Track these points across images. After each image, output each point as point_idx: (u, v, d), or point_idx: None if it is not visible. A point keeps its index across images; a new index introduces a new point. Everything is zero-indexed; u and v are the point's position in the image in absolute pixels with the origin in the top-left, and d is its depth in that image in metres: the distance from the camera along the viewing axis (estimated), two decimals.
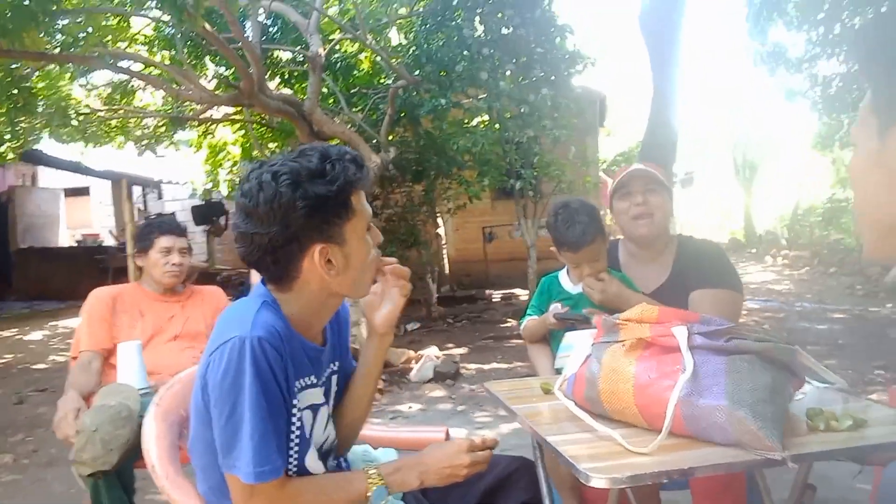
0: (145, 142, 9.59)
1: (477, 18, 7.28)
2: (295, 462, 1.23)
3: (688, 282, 1.95)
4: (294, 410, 1.21)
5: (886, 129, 0.72)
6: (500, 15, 7.21)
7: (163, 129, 9.52)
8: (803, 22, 8.97)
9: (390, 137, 7.30)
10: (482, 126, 7.79)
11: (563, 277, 2.05)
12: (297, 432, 1.22)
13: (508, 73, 7.44)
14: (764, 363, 1.19)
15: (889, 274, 10.17)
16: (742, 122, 19.68)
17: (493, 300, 9.81)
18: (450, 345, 6.88)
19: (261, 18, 6.68)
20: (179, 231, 2.53)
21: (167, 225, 2.54)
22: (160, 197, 14.47)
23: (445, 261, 10.18)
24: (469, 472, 1.30)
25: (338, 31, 7.82)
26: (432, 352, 5.93)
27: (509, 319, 8.16)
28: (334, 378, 1.39)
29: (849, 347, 6.51)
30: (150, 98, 9.28)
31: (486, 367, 5.90)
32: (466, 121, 7.97)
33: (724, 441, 1.12)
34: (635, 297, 1.88)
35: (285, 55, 8.03)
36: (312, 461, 1.26)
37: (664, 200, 1.98)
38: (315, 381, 1.29)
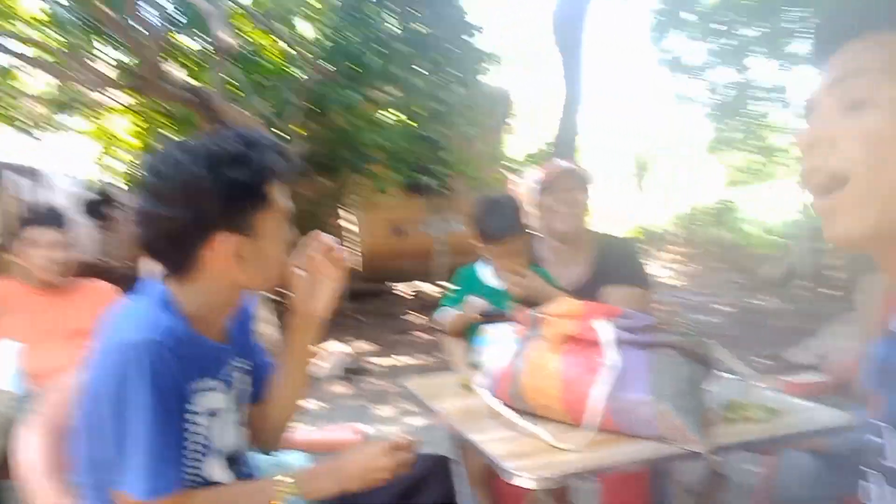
0: (30, 125, 8.82)
1: (390, 14, 7.20)
2: (195, 472, 1.12)
3: (607, 278, 1.98)
4: (192, 416, 1.10)
5: None
6: (413, 11, 7.15)
7: (48, 113, 8.79)
8: (705, 33, 9.47)
9: (300, 131, 7.08)
10: (396, 122, 7.71)
11: (482, 270, 2.03)
12: (197, 440, 1.11)
13: (422, 70, 7.40)
14: (683, 357, 1.20)
15: (769, 269, 10.96)
16: (641, 125, 20.60)
17: (402, 295, 9.76)
18: (356, 340, 6.77)
19: (166, 3, 6.30)
20: (56, 222, 2.31)
21: (42, 216, 2.32)
22: (46, 187, 13.40)
23: (357, 256, 10.02)
24: (390, 474, 1.24)
25: (247, 20, 7.50)
26: (339, 348, 5.80)
27: (418, 314, 8.14)
28: (242, 377, 1.29)
29: (735, 338, 6.95)
30: (35, 81, 8.54)
31: (393, 362, 5.84)
32: (379, 116, 7.86)
33: (649, 435, 1.11)
34: (556, 294, 1.87)
35: (192, 43, 7.61)
36: (217, 470, 1.16)
37: (586, 199, 2.01)
38: (216, 383, 1.18)
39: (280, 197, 1.16)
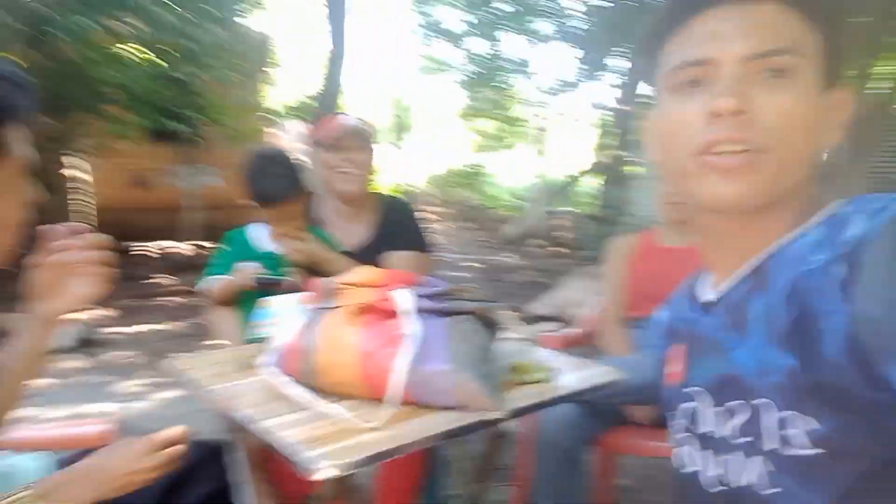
0: None
1: None
2: None
3: (389, 241, 1.94)
4: None
5: (827, 85, 0.69)
6: None
7: None
8: (468, 4, 9.85)
9: (19, 61, 5.88)
10: (137, 60, 6.78)
11: (254, 233, 1.85)
12: None
13: (170, 3, 6.59)
14: (479, 323, 1.21)
15: (511, 229, 12.04)
16: (401, 87, 21.02)
17: (147, 254, 8.83)
18: (92, 306, 5.97)
19: None
20: None
21: None
22: None
23: (91, 210, 8.79)
24: (154, 475, 1.07)
25: None
26: (70, 315, 5.05)
27: (166, 275, 7.44)
28: None
29: (484, 293, 7.53)
30: None
31: (138, 329, 5.27)
32: (119, 52, 6.86)
33: (447, 404, 1.09)
34: (338, 259, 1.79)
35: None
36: None
37: (370, 159, 1.94)
38: None
39: (17, 143, 0.90)
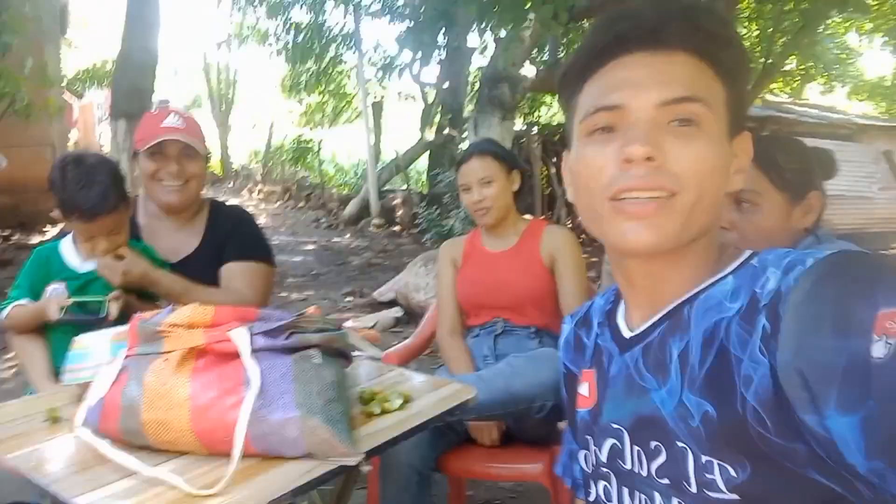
0: None
1: None
2: None
3: (220, 250, 1.77)
4: None
5: (733, 132, 0.72)
6: None
7: None
8: None
9: None
10: None
11: (67, 249, 1.60)
12: None
13: None
14: (326, 355, 1.13)
15: (346, 208, 11.86)
16: (219, 58, 19.65)
17: None
18: None
19: None
20: None
21: None
22: None
23: None
24: None
25: None
26: None
27: None
28: None
29: (322, 276, 7.36)
30: None
31: None
32: None
33: (296, 454, 1.01)
34: (165, 278, 1.60)
35: None
36: None
37: (202, 167, 1.76)
38: None
39: None
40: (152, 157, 1.70)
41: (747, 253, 0.74)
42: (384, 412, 1.20)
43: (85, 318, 1.47)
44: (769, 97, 12.39)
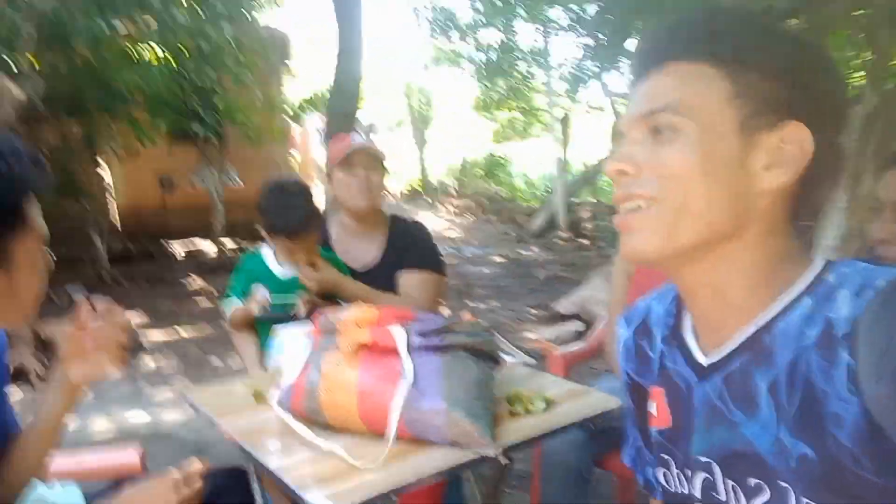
0: None
1: None
2: None
3: (399, 261, 1.99)
4: None
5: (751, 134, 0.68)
6: None
7: None
8: None
9: (36, 66, 6.03)
10: (154, 61, 6.92)
11: (270, 258, 1.92)
12: None
13: (185, 3, 6.69)
14: (474, 357, 1.25)
15: (534, 222, 12.02)
16: (416, 79, 20.97)
17: (176, 256, 9.03)
18: (126, 311, 6.14)
19: None
20: None
21: None
22: None
23: (115, 213, 9.00)
24: None
25: None
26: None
27: (196, 277, 7.61)
28: None
29: (507, 289, 7.54)
30: None
31: (172, 335, 5.41)
32: (134, 53, 6.99)
33: (441, 441, 1.15)
34: (351, 285, 1.85)
35: None
36: None
37: (382, 179, 2.00)
38: None
39: (35, 216, 0.97)
40: (344, 168, 1.97)
41: (820, 262, 0.70)
42: (527, 413, 1.30)
43: (279, 315, 1.76)
44: None
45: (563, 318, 5.62)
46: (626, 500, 2.06)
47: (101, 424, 3.56)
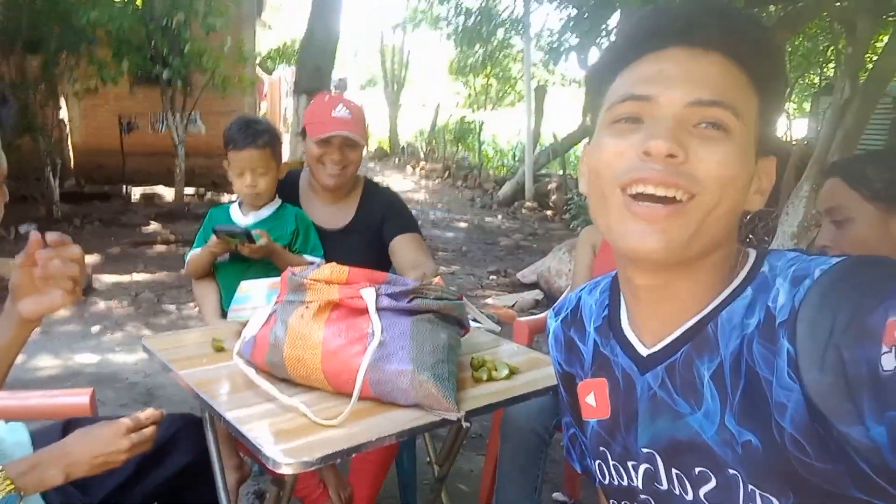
0: None
1: None
2: None
3: (371, 225, 1.96)
4: None
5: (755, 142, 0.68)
6: None
7: None
8: None
9: None
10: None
11: (235, 210, 1.89)
12: None
13: None
14: (442, 321, 1.25)
15: (501, 190, 12.02)
16: (392, 40, 20.57)
17: (132, 199, 8.78)
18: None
19: None
20: None
21: None
22: None
23: (70, 151, 8.68)
24: (129, 455, 1.13)
25: None
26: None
27: (152, 222, 7.42)
28: None
29: (470, 254, 7.57)
30: None
31: (125, 278, 5.29)
32: None
33: (406, 402, 1.15)
34: (293, 258, 1.81)
35: None
36: None
37: (360, 154, 1.95)
38: None
39: None
40: (319, 143, 1.90)
41: (752, 255, 0.71)
42: (490, 379, 1.31)
43: (236, 230, 1.72)
44: None
45: (524, 286, 5.69)
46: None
47: (47, 362, 3.49)
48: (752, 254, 0.71)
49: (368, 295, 1.20)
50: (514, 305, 4.92)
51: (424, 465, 2.27)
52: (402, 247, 1.94)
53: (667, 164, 0.64)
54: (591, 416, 0.83)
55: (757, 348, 0.63)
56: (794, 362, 0.60)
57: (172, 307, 4.66)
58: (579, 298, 0.88)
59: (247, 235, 1.69)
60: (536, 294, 5.32)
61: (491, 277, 6.29)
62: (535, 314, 2.47)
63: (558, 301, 0.93)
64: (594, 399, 0.82)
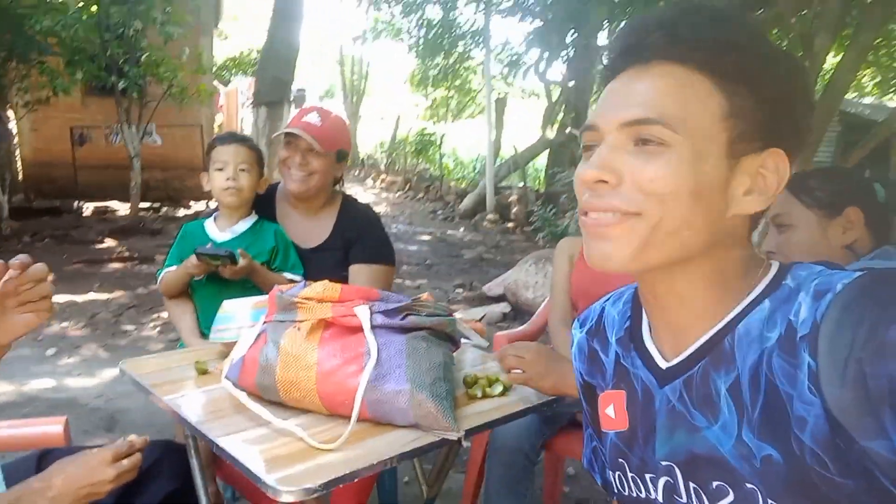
0: None
1: None
2: None
3: (348, 245, 1.92)
4: None
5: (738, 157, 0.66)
6: None
7: None
8: None
9: None
10: (75, 6, 6.43)
11: (210, 226, 1.83)
12: None
13: None
14: (436, 338, 1.23)
15: (462, 202, 12.06)
16: (354, 51, 20.53)
17: (84, 214, 8.50)
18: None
19: None
20: None
21: None
22: None
23: (19, 164, 8.37)
24: (115, 485, 1.07)
25: None
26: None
27: (107, 238, 7.19)
28: None
29: (434, 267, 7.55)
30: None
31: (80, 298, 5.10)
32: None
33: (404, 422, 1.12)
34: (274, 278, 1.75)
35: None
36: None
37: (327, 164, 1.88)
38: None
39: None
40: (286, 145, 1.88)
41: (775, 266, 0.70)
42: (485, 396, 1.29)
43: (220, 253, 1.65)
44: None
45: (490, 299, 5.69)
46: (556, 480, 2.10)
47: (0, 388, 3.32)
48: (775, 266, 0.71)
49: (363, 313, 1.17)
50: (482, 319, 4.91)
51: (402, 485, 2.23)
52: (354, 279, 1.89)
53: (598, 189, 0.67)
54: (610, 427, 0.83)
55: (777, 362, 0.63)
56: (814, 376, 0.60)
57: (132, 327, 4.50)
58: (603, 309, 0.88)
59: (230, 258, 1.64)
60: (504, 307, 5.33)
61: (457, 291, 6.28)
62: (504, 327, 2.46)
63: (582, 312, 0.92)
64: (613, 411, 0.81)
